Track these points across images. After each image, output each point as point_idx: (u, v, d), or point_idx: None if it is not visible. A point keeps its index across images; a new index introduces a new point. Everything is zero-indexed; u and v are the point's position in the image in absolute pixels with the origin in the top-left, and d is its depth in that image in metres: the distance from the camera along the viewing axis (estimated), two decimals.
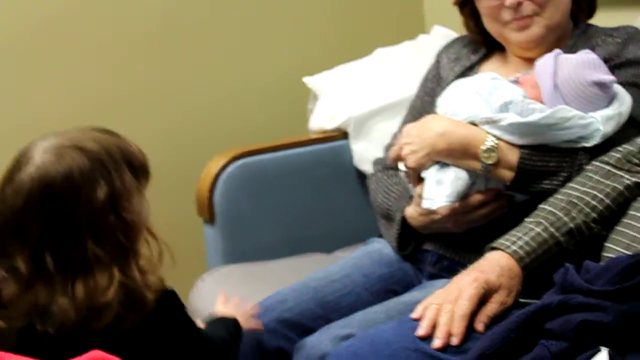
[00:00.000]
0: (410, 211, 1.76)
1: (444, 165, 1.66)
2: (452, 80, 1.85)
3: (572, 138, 1.59)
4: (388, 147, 2.01)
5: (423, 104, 1.95)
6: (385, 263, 1.81)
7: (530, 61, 1.77)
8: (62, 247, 1.26)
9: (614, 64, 1.71)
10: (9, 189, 1.27)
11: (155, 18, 2.53)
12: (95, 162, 1.27)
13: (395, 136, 2.01)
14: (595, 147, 1.58)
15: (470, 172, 1.64)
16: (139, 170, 1.35)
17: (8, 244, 1.27)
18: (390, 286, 1.78)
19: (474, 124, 1.63)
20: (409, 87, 2.28)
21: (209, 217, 2.23)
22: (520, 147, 1.61)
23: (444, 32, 2.61)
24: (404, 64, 2.46)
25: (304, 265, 2.15)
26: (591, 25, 1.85)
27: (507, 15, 1.76)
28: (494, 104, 1.62)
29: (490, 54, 1.93)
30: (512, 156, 1.61)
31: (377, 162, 2.03)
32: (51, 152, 1.27)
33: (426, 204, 1.65)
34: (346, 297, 1.73)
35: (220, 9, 2.61)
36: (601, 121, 1.59)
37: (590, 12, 1.87)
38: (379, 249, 1.85)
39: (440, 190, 1.64)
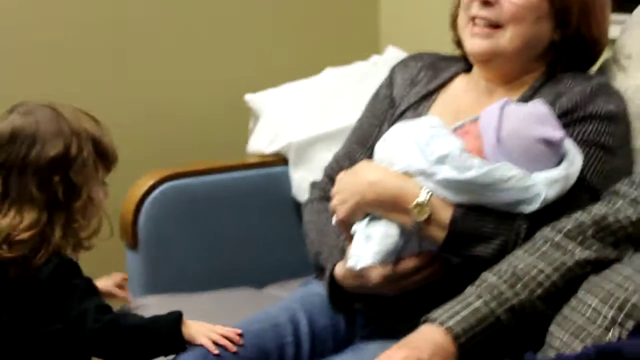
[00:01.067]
0: (341, 270, 1.63)
1: (374, 219, 1.55)
2: (405, 110, 1.77)
3: (511, 201, 1.47)
4: (328, 170, 1.90)
5: (370, 127, 1.84)
6: (326, 312, 1.70)
7: (491, 84, 1.69)
8: (8, 178, 1.57)
9: (575, 117, 1.61)
10: None
11: (86, 27, 2.43)
12: (61, 125, 1.59)
13: (336, 156, 1.91)
14: (537, 212, 1.47)
15: (403, 230, 1.53)
16: (103, 154, 1.65)
17: None
18: (328, 341, 1.68)
19: (409, 174, 1.53)
20: (357, 113, 2.18)
21: (132, 242, 2.16)
22: (456, 205, 1.50)
23: (398, 53, 2.52)
24: (353, 85, 2.38)
25: (232, 299, 2.10)
26: (565, 72, 1.72)
27: (474, 9, 1.67)
28: (430, 156, 1.51)
29: (452, 77, 1.81)
30: (445, 214, 1.50)
31: (314, 186, 1.90)
32: (32, 108, 1.62)
33: (351, 262, 1.53)
34: (289, 346, 1.63)
35: (156, 17, 2.53)
36: (545, 184, 1.47)
37: (581, 68, 1.76)
38: (320, 293, 1.73)
39: (367, 247, 1.53)
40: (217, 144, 2.50)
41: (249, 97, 2.37)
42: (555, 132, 1.49)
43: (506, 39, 1.65)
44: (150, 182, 2.13)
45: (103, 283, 1.83)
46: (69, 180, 1.58)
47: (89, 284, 1.60)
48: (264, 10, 2.68)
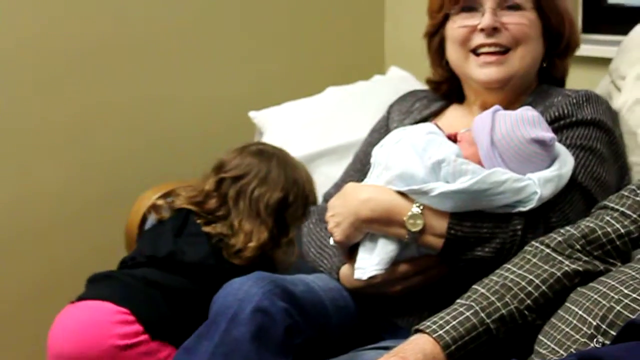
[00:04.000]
0: (345, 272, 1.68)
1: (372, 233, 1.59)
2: None
3: (507, 203, 1.50)
4: (327, 196, 1.94)
5: (366, 156, 1.86)
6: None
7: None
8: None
9: (563, 123, 1.65)
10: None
11: (96, 45, 2.43)
12: (291, 182, 1.99)
13: (336, 185, 1.95)
14: (531, 211, 1.50)
15: (400, 239, 1.56)
16: (308, 203, 2.00)
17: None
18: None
19: (402, 194, 1.55)
20: (357, 130, 2.21)
21: None
22: (451, 212, 1.52)
23: (401, 73, 2.54)
24: (355, 104, 2.40)
25: None
26: (552, 86, 1.79)
27: (479, 39, 1.71)
28: (427, 161, 1.53)
29: (445, 107, 1.86)
30: (440, 223, 1.52)
31: (313, 212, 1.94)
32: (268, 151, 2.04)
33: (357, 274, 1.59)
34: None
35: (161, 34, 2.52)
36: (538, 184, 1.50)
37: (561, 83, 1.82)
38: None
39: (370, 260, 1.58)
40: None
41: (254, 114, 2.39)
42: (546, 133, 1.53)
43: (517, 60, 1.69)
44: (156, 196, 2.13)
45: None
46: (283, 219, 1.95)
47: None
48: (269, 30, 2.68)
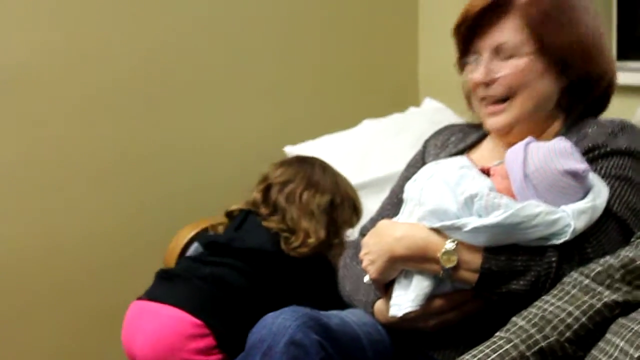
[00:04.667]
0: (380, 307, 1.68)
1: (407, 270, 1.59)
2: None
3: (540, 236, 1.48)
4: (364, 230, 1.94)
5: (401, 189, 1.84)
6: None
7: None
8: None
9: (597, 153, 1.64)
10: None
11: (122, 76, 2.47)
12: (335, 185, 2.12)
13: (372, 219, 1.95)
14: (566, 243, 1.48)
15: (435, 275, 1.56)
16: (356, 210, 2.12)
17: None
18: None
19: (435, 230, 1.55)
20: (393, 163, 2.22)
21: None
22: (485, 247, 1.51)
23: (435, 105, 2.55)
24: (391, 137, 2.41)
25: None
26: (587, 115, 1.77)
27: (481, 91, 1.74)
28: (459, 196, 1.53)
29: (481, 140, 1.87)
30: (475, 258, 1.51)
31: (349, 246, 1.93)
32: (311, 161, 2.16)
33: (393, 311, 1.58)
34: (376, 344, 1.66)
35: (198, 67, 2.56)
36: (572, 216, 1.48)
37: (599, 108, 1.79)
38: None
39: (406, 296, 1.57)
40: None
41: (289, 149, 2.42)
42: (579, 164, 1.51)
43: (517, 107, 1.70)
44: (193, 232, 2.16)
45: None
46: (333, 221, 2.05)
47: None
48: (304, 64, 2.71)
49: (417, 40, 2.93)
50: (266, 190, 2.05)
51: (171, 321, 1.87)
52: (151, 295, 1.95)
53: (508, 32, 1.70)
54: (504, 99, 1.72)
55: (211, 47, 2.56)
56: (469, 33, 1.75)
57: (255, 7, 2.62)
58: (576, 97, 1.74)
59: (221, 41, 2.58)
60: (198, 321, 1.87)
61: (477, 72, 1.73)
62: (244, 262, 1.94)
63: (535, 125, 1.72)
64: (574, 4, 1.71)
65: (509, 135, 1.74)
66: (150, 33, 2.47)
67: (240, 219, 2.05)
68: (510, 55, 1.70)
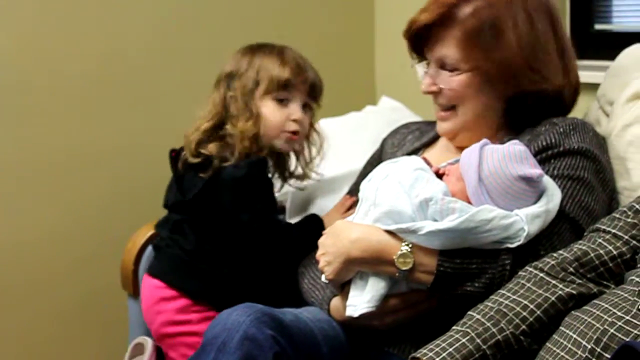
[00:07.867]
0: (336, 305, 1.69)
1: (363, 271, 1.60)
2: None
3: (496, 239, 1.51)
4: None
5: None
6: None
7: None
8: None
9: (551, 153, 1.66)
10: None
11: (90, 78, 2.45)
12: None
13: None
14: (519, 246, 1.51)
15: (391, 277, 1.58)
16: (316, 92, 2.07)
17: None
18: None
19: (391, 232, 1.56)
20: (351, 162, 2.22)
21: (133, 290, 2.14)
22: (440, 250, 1.53)
23: (392, 103, 2.55)
24: (347, 135, 2.40)
25: None
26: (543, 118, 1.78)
27: (432, 97, 1.81)
28: (414, 198, 1.54)
29: (437, 138, 1.90)
30: (430, 260, 1.54)
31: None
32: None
33: (349, 312, 1.60)
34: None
35: (156, 66, 2.56)
36: (526, 220, 1.51)
37: (556, 112, 1.79)
38: None
39: (361, 297, 1.59)
40: None
41: None
42: (533, 170, 1.53)
43: (460, 116, 1.76)
44: (150, 232, 2.13)
45: None
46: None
47: None
48: None
49: (374, 39, 2.94)
50: None
51: (145, 291, 2.00)
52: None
53: (449, 47, 1.73)
54: (451, 107, 1.77)
55: (162, 48, 2.56)
56: (417, 42, 1.80)
57: (208, 5, 2.62)
58: (521, 109, 1.76)
59: (175, 42, 2.58)
60: (161, 284, 1.96)
61: (423, 83, 1.78)
62: (190, 216, 1.98)
63: (482, 133, 1.74)
64: (509, 23, 1.71)
65: (455, 140, 1.80)
66: (106, 34, 2.46)
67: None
68: (454, 69, 1.74)
